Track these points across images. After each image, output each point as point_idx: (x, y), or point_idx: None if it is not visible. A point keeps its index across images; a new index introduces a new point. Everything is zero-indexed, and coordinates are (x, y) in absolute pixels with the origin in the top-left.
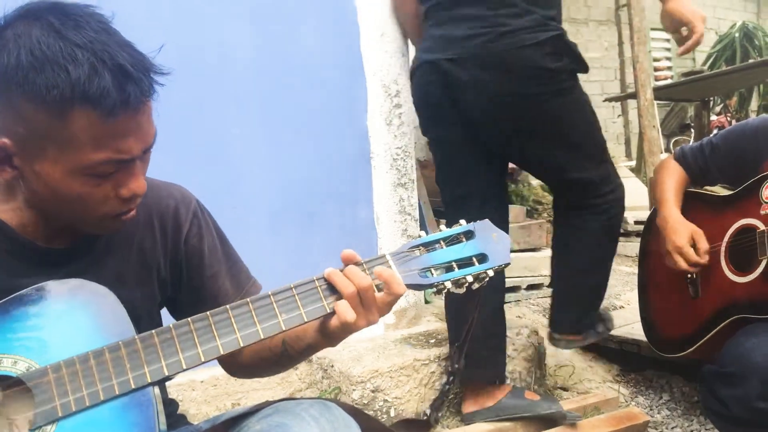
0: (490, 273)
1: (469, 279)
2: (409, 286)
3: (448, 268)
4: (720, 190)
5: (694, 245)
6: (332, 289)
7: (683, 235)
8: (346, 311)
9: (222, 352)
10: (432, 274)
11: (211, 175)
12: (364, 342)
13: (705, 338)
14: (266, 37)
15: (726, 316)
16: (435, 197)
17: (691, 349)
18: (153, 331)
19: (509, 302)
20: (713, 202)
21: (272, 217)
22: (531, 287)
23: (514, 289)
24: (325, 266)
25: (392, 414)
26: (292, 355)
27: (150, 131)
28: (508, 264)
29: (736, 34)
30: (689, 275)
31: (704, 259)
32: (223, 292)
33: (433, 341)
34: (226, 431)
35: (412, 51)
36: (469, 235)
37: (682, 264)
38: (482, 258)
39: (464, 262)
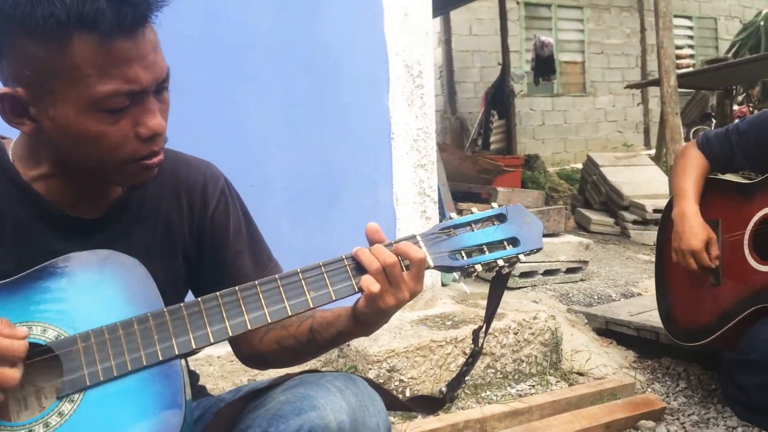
0: (522, 257)
1: (500, 263)
2: (439, 268)
3: (479, 251)
4: (737, 178)
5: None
6: (361, 269)
7: (700, 238)
8: (370, 283)
9: (249, 327)
10: (462, 256)
11: (230, 153)
12: None
13: (726, 327)
14: (288, 16)
15: (749, 305)
16: (453, 180)
17: (711, 338)
18: (181, 304)
19: (525, 287)
20: (736, 190)
21: (291, 197)
22: (548, 272)
23: (531, 274)
24: (343, 246)
25: (408, 394)
26: (320, 343)
27: (158, 62)
28: (540, 249)
29: (761, 23)
30: None
31: (714, 264)
32: (244, 272)
33: (449, 323)
34: (249, 402)
35: (435, 31)
36: (500, 218)
37: (694, 266)
38: (514, 242)
39: (495, 246)
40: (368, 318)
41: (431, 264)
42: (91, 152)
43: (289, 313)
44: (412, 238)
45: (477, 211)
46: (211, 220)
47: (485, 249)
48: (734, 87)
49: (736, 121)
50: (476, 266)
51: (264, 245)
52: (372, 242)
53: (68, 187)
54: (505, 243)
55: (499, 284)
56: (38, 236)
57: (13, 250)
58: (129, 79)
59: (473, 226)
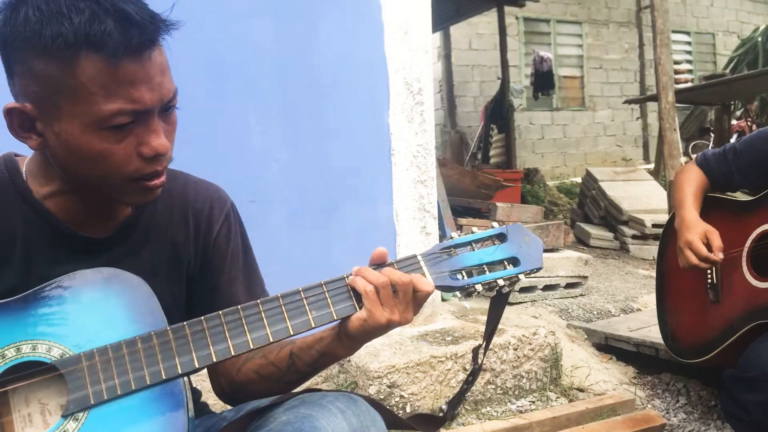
0: (522, 277)
1: (501, 282)
2: (440, 288)
3: (480, 271)
4: (740, 196)
5: (707, 244)
6: None
7: (695, 231)
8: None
9: (252, 347)
10: (463, 276)
11: (230, 169)
12: (381, 338)
13: (725, 344)
14: (288, 34)
15: (747, 322)
16: (453, 195)
17: (711, 355)
18: (185, 323)
19: (525, 302)
20: (735, 208)
21: (291, 213)
22: (547, 287)
23: (530, 289)
24: (343, 263)
25: (408, 410)
26: (300, 369)
27: (165, 84)
28: (540, 268)
29: (759, 38)
30: (710, 280)
31: (717, 256)
32: (236, 299)
33: (449, 339)
34: (251, 421)
35: (435, 46)
36: (501, 237)
37: (693, 259)
38: (514, 261)
39: (496, 266)
40: (361, 336)
41: (432, 284)
42: (94, 169)
43: (291, 333)
44: (412, 257)
45: (478, 231)
46: (213, 244)
47: (486, 269)
48: (732, 102)
49: (734, 138)
50: (477, 286)
51: (259, 277)
52: (374, 264)
53: (78, 205)
54: (506, 263)
55: (499, 303)
56: (47, 254)
57: (21, 268)
58: (134, 99)
59: (474, 245)
